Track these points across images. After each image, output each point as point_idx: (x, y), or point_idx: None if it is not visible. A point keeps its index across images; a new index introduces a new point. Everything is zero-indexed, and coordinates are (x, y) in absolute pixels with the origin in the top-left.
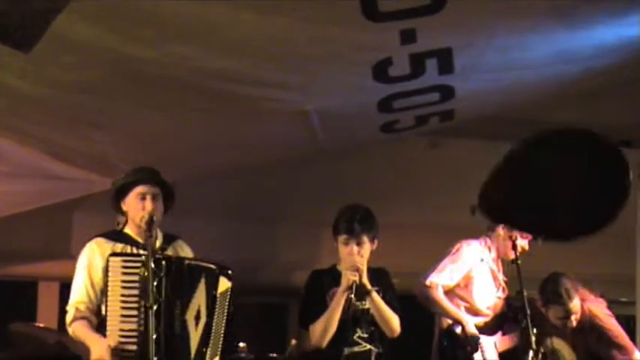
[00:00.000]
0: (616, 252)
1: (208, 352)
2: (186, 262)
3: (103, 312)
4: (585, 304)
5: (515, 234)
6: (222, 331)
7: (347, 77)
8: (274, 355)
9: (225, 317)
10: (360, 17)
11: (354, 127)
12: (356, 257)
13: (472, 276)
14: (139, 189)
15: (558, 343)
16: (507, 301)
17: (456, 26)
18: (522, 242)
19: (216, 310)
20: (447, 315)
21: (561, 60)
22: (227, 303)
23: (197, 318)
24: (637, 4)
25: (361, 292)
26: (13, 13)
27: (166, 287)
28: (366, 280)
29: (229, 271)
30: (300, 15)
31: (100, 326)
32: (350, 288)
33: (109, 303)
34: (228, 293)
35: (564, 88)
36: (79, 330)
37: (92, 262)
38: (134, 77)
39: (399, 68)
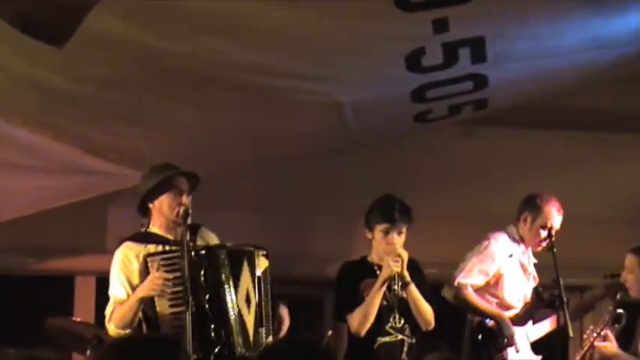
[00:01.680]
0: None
1: (264, 333)
2: (227, 247)
3: (151, 316)
4: None
5: (551, 223)
6: (271, 310)
7: (380, 68)
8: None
9: (270, 296)
10: (393, 8)
11: (388, 118)
12: (398, 247)
13: (502, 273)
14: (179, 185)
15: None
16: (535, 289)
17: (488, 15)
18: (546, 233)
19: (262, 290)
20: (482, 313)
21: (594, 46)
22: (269, 282)
23: (247, 301)
24: None
25: (400, 283)
26: (45, 8)
27: (213, 276)
28: (405, 271)
29: (265, 251)
30: (332, 7)
31: (147, 327)
32: (392, 277)
33: (156, 304)
34: (269, 272)
35: (598, 75)
36: (119, 310)
37: (126, 265)
38: (166, 72)
39: (431, 58)
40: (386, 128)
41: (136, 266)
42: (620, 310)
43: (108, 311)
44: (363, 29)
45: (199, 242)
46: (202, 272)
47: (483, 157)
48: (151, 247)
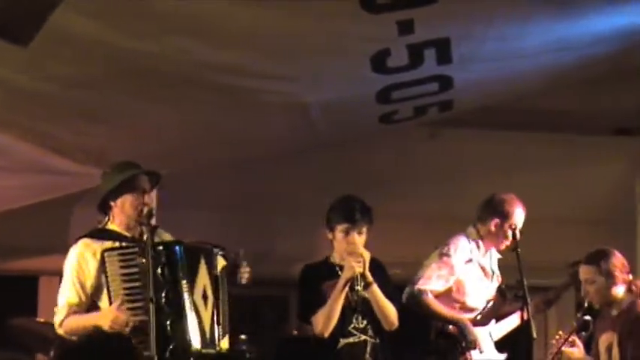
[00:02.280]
0: (612, 241)
1: (220, 331)
2: (184, 244)
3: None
4: None
5: (514, 223)
6: (227, 310)
7: (345, 69)
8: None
9: (227, 296)
10: (358, 9)
11: (353, 119)
12: (359, 246)
13: (462, 279)
14: (142, 184)
15: (609, 338)
16: (499, 288)
17: (453, 16)
18: (515, 233)
19: (220, 288)
20: (444, 319)
21: (559, 48)
22: (226, 281)
23: (204, 298)
24: None
25: (363, 283)
26: (10, 7)
27: (170, 271)
28: (367, 272)
29: (223, 250)
30: (298, 8)
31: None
32: (354, 278)
33: (112, 300)
34: (224, 272)
35: (563, 76)
36: (75, 320)
37: (80, 263)
38: (133, 71)
39: (397, 59)
40: (352, 129)
41: (92, 265)
42: (587, 317)
43: (59, 316)
44: (329, 30)
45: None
46: (160, 268)
47: (449, 159)
48: (107, 244)
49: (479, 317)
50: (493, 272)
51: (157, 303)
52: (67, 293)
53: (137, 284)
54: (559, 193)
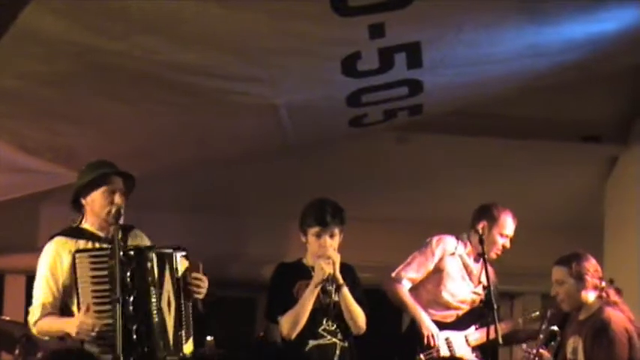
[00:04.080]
0: (580, 248)
1: (183, 335)
2: (154, 250)
3: (75, 310)
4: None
5: (504, 232)
6: (190, 312)
7: (316, 71)
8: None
9: (189, 298)
10: (329, 11)
11: (323, 122)
12: (330, 249)
13: (442, 269)
14: (113, 184)
15: (575, 341)
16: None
17: (424, 21)
18: (503, 240)
19: (182, 291)
20: (406, 310)
21: (530, 54)
22: (188, 283)
23: (168, 304)
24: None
25: (334, 285)
26: None
27: (140, 278)
28: (338, 274)
29: (185, 252)
30: (269, 9)
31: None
32: (325, 280)
33: (81, 301)
34: (189, 273)
35: (534, 83)
36: (48, 323)
37: (56, 261)
38: (102, 70)
39: (367, 62)
40: (321, 132)
41: (67, 263)
42: (553, 327)
43: (34, 316)
44: (300, 32)
45: (130, 243)
46: (129, 273)
47: (417, 163)
48: (81, 243)
49: (456, 319)
50: (480, 282)
51: (125, 308)
52: (40, 292)
53: (106, 287)
54: (527, 199)
